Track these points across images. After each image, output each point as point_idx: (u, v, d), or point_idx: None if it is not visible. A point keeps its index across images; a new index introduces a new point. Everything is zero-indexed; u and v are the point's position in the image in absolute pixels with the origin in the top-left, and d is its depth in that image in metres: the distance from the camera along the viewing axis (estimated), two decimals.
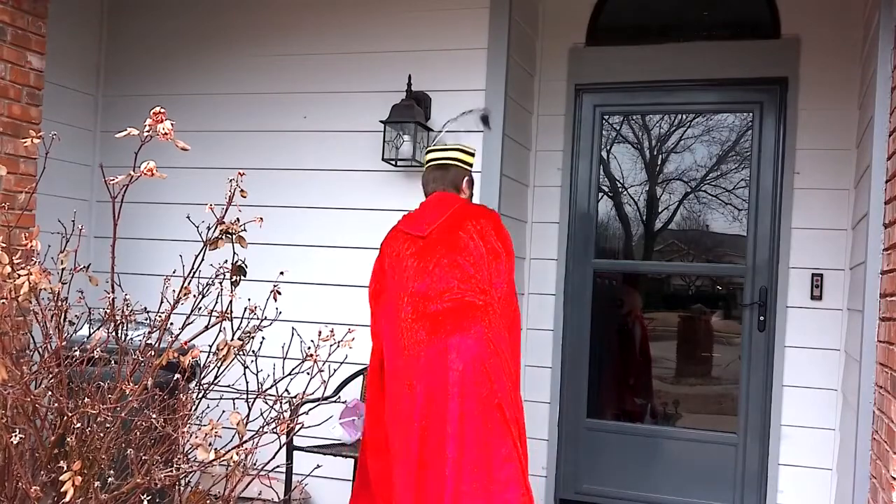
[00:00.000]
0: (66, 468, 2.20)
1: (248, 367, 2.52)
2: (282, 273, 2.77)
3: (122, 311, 2.49)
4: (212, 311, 2.45)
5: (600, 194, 4.83)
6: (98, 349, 2.47)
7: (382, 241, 3.51)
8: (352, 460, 4.22)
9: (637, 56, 4.65)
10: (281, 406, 2.59)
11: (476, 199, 4.28)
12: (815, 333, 4.27)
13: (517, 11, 4.39)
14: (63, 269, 2.50)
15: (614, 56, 4.69)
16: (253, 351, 2.52)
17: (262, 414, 2.54)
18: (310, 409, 2.76)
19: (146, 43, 4.97)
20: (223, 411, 2.48)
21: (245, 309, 2.52)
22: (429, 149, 3.71)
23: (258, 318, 2.55)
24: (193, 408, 2.63)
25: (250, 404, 2.56)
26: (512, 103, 4.39)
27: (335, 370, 2.72)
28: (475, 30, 4.32)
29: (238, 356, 2.45)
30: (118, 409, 2.31)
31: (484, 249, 3.30)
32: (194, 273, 2.40)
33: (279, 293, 2.55)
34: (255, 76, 4.73)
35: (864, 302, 3.45)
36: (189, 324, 2.43)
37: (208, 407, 2.61)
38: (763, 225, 4.45)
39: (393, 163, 4.35)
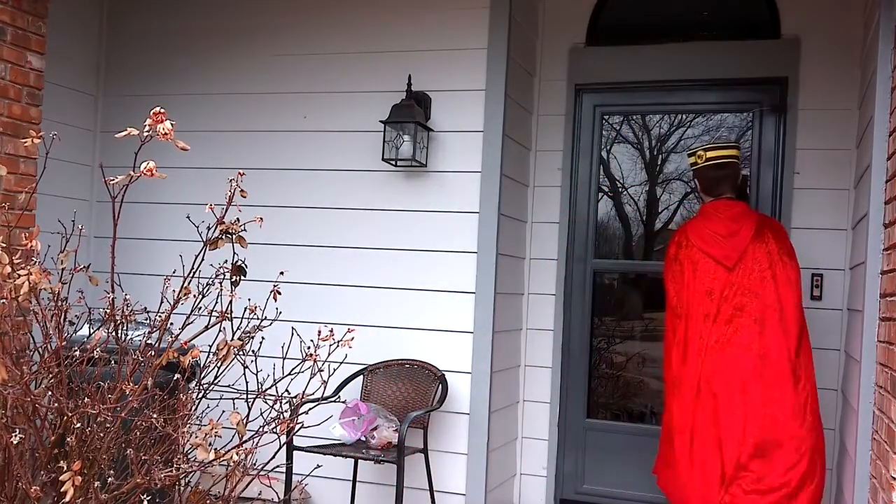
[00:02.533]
0: (66, 468, 2.20)
1: (247, 367, 2.52)
2: (282, 273, 2.77)
3: (122, 311, 2.49)
4: (212, 311, 2.45)
5: (600, 194, 4.83)
6: (98, 349, 2.47)
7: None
8: (352, 460, 4.22)
9: (637, 56, 4.65)
10: (281, 406, 2.59)
11: (476, 199, 4.30)
12: (815, 333, 4.26)
13: (517, 11, 4.39)
14: (63, 269, 2.50)
15: (614, 56, 4.69)
16: (253, 351, 2.52)
17: (262, 414, 2.54)
18: (310, 409, 2.76)
19: (146, 43, 4.97)
20: (223, 411, 2.48)
21: (245, 309, 2.52)
22: (708, 145, 4.08)
23: (258, 318, 2.55)
24: (193, 408, 2.63)
25: (250, 404, 2.56)
26: (512, 103, 4.40)
27: (335, 370, 2.72)
28: (475, 30, 4.32)
29: (238, 356, 2.45)
30: (118, 409, 2.31)
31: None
32: (194, 273, 2.40)
33: (279, 293, 2.55)
34: (255, 76, 4.74)
35: (864, 302, 3.45)
36: (189, 324, 2.43)
37: (208, 407, 2.61)
38: None
39: (393, 163, 4.35)
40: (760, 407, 3.70)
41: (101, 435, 2.35)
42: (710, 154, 4.01)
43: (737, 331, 3.75)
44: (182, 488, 2.64)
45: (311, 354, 2.55)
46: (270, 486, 3.42)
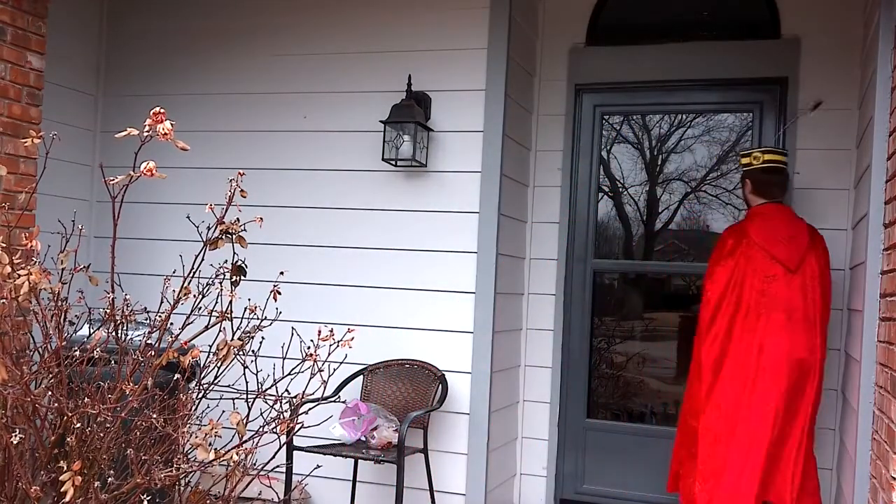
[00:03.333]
0: (66, 468, 2.20)
1: (247, 367, 2.52)
2: (282, 273, 2.77)
3: (122, 311, 2.49)
4: (212, 311, 2.45)
5: (600, 194, 4.83)
6: (98, 349, 2.47)
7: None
8: (352, 461, 4.22)
9: (637, 56, 4.65)
10: (281, 406, 2.59)
11: (476, 199, 4.30)
12: None
13: (517, 11, 4.39)
14: (63, 269, 2.50)
15: (614, 56, 4.69)
16: (253, 351, 2.52)
17: (262, 414, 2.54)
18: (310, 409, 2.76)
19: (146, 43, 4.97)
20: (223, 411, 2.48)
21: (245, 309, 2.52)
22: (765, 148, 4.13)
23: (258, 318, 2.55)
24: (193, 408, 2.63)
25: (250, 404, 2.56)
26: (512, 103, 4.40)
27: (335, 370, 2.72)
28: (475, 30, 4.32)
29: (238, 356, 2.45)
30: (118, 409, 2.31)
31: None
32: (194, 273, 2.40)
33: (279, 293, 2.55)
34: (255, 76, 4.74)
35: (865, 302, 3.45)
36: (189, 324, 2.43)
37: (208, 407, 2.61)
38: None
39: (393, 163, 4.35)
40: (811, 406, 3.85)
41: (101, 435, 2.35)
42: (766, 157, 4.04)
43: (796, 332, 3.81)
44: (182, 488, 2.64)
45: (311, 354, 2.55)
46: (270, 486, 3.41)
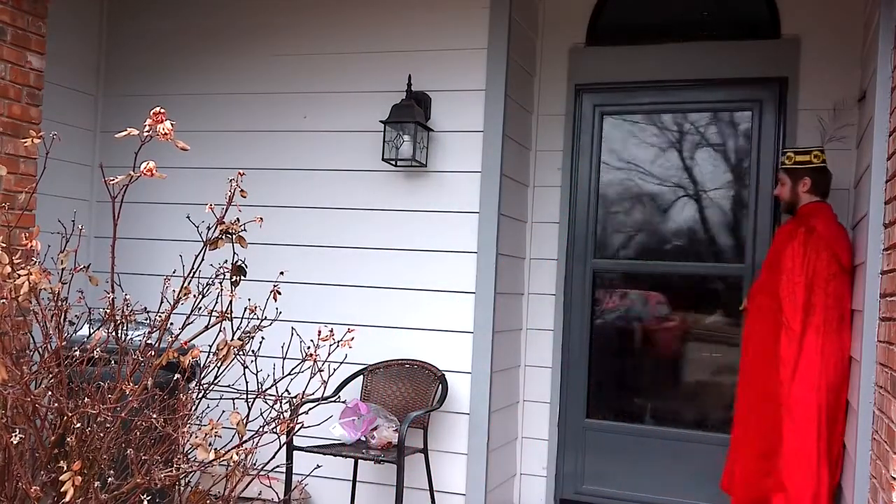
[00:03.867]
0: (66, 468, 2.20)
1: (247, 367, 2.52)
2: (282, 273, 2.77)
3: (122, 311, 2.49)
4: (212, 311, 2.45)
5: (600, 194, 4.82)
6: (98, 349, 2.47)
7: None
8: (352, 460, 4.22)
9: (637, 56, 4.65)
10: (281, 406, 2.59)
11: (476, 199, 4.30)
12: None
13: (517, 11, 4.40)
14: (63, 269, 2.50)
15: (614, 56, 4.69)
16: (253, 351, 2.52)
17: (262, 414, 2.54)
18: (310, 409, 2.76)
19: (146, 43, 4.97)
20: (223, 411, 2.48)
21: (245, 309, 2.52)
22: (822, 147, 4.12)
23: (258, 318, 2.55)
24: (193, 408, 2.63)
25: (250, 404, 2.56)
26: (512, 103, 4.40)
27: (335, 370, 2.72)
28: (475, 30, 4.32)
29: (238, 356, 2.45)
30: (118, 409, 2.31)
31: None
32: (194, 273, 2.40)
33: (279, 293, 2.55)
34: (254, 76, 4.74)
35: (864, 302, 3.45)
36: (189, 324, 2.43)
37: (208, 407, 2.61)
38: (763, 224, 4.44)
39: (393, 163, 4.35)
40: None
41: (101, 435, 2.35)
42: (823, 156, 4.06)
43: (846, 332, 3.83)
44: (182, 488, 2.64)
45: (311, 354, 2.55)
46: (270, 486, 3.41)
